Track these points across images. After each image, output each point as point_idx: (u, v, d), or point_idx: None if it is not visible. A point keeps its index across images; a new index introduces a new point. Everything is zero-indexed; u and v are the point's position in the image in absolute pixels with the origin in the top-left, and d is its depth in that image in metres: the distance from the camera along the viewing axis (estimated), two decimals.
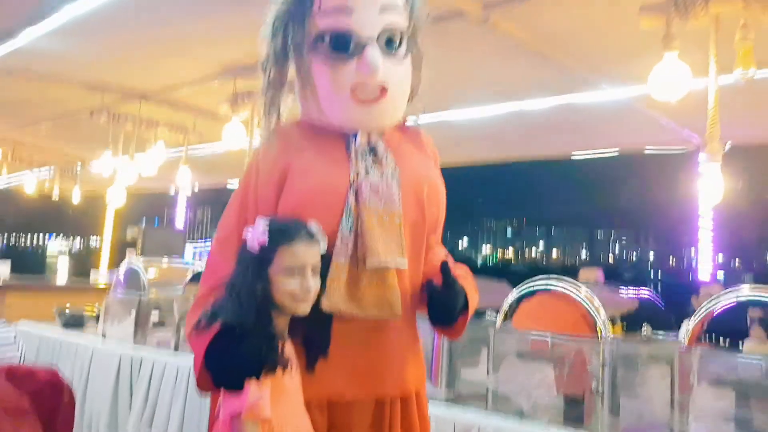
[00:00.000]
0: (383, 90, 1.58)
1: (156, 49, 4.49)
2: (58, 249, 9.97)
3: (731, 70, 2.72)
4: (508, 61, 4.20)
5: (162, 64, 4.82)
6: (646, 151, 5.65)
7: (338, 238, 1.55)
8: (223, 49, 4.40)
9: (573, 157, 6.15)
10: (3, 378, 1.71)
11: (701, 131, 3.06)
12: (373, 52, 1.54)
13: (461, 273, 1.70)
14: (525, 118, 5.00)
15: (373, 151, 1.63)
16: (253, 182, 1.65)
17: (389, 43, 1.58)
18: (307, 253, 1.48)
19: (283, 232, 1.48)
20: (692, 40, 2.84)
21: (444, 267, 1.63)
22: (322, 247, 1.51)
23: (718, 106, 2.84)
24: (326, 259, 1.52)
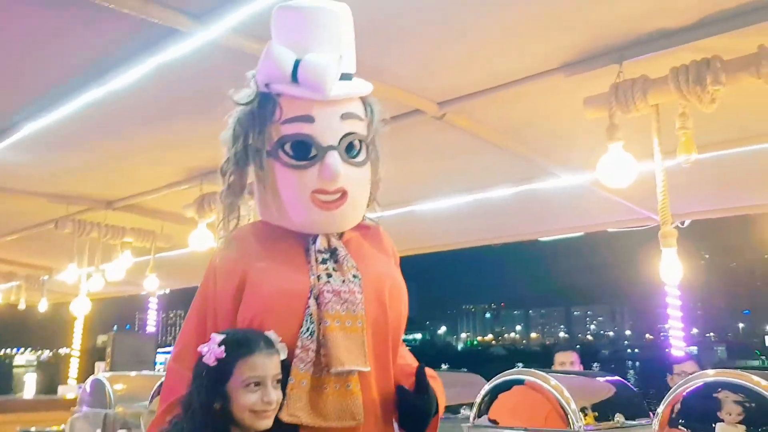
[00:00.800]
0: (344, 194, 1.62)
1: (121, 157, 4.54)
2: (25, 361, 9.71)
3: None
4: (468, 153, 4.35)
5: (127, 172, 4.87)
6: (610, 230, 5.77)
7: (299, 345, 1.53)
8: (189, 155, 4.47)
9: (542, 239, 6.27)
10: None
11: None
12: (334, 159, 1.59)
13: (431, 374, 1.70)
14: (490, 205, 5.12)
15: (333, 254, 1.65)
16: (211, 291, 1.65)
17: (349, 149, 1.64)
18: (267, 365, 1.45)
19: (240, 344, 1.45)
20: (638, 125, 2.98)
21: (419, 372, 1.62)
22: (282, 356, 1.50)
23: (667, 189, 2.94)
24: (286, 367, 1.50)
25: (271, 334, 1.51)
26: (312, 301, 1.57)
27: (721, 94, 2.68)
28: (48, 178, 5.02)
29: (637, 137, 2.97)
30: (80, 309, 6.04)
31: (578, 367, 5.11)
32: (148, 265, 6.11)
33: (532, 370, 2.49)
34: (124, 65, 3.13)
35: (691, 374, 2.49)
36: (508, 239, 6.36)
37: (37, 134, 3.93)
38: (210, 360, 1.44)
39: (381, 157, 1.79)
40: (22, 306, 8.54)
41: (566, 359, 5.13)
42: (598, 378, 2.83)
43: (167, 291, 9.33)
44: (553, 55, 3.08)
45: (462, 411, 2.72)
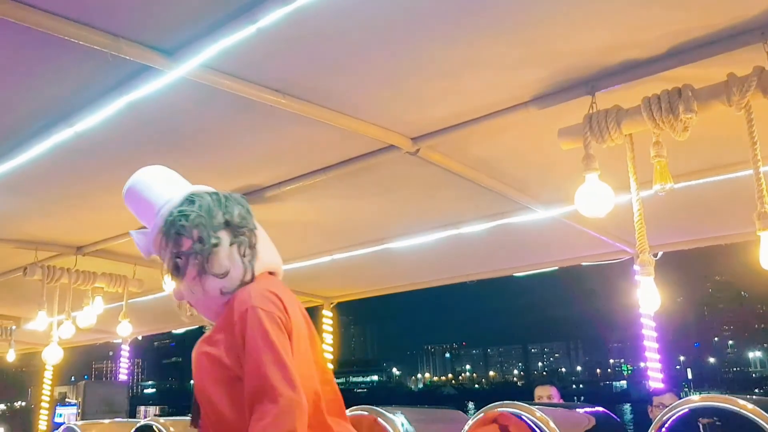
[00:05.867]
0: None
1: (90, 199, 4.45)
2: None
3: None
4: (442, 189, 4.35)
5: (97, 215, 4.76)
6: (584, 264, 5.79)
7: None
8: None
9: (515, 274, 6.25)
10: None
11: (633, 242, 3.17)
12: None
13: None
14: (464, 241, 5.11)
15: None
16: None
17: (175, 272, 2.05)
18: None
19: None
20: (613, 156, 3.00)
21: None
22: None
23: (644, 218, 2.95)
24: None
25: None
26: None
27: (694, 123, 2.72)
28: (15, 223, 4.91)
29: (611, 169, 3.00)
30: (52, 357, 5.85)
31: (557, 401, 5.06)
32: (120, 311, 5.97)
33: (518, 402, 2.45)
34: (94, 104, 3.09)
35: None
36: (482, 275, 6.33)
37: (2, 178, 3.85)
38: None
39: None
40: None
41: (545, 393, 5.10)
42: (580, 409, 2.79)
43: (140, 338, 9.15)
44: (526, 88, 3.11)
45: None
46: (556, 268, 5.93)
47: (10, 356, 8.23)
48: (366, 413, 2.84)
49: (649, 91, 2.80)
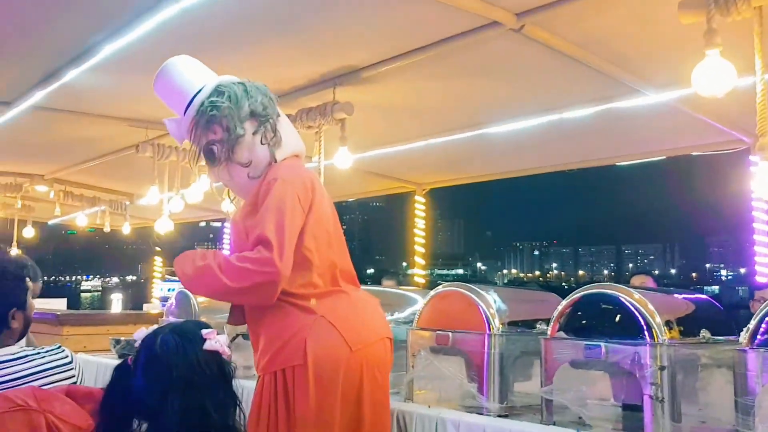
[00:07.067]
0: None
1: None
2: (91, 287, 10.36)
3: None
4: (546, 70, 4.17)
5: None
6: (694, 154, 5.51)
7: None
8: (265, 77, 4.45)
9: (618, 164, 6.04)
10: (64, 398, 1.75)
11: (750, 131, 2.97)
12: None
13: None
14: (565, 127, 4.94)
15: None
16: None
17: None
18: None
19: None
20: (737, 33, 2.77)
21: None
22: None
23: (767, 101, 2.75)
24: None
25: None
26: None
27: None
28: (127, 103, 5.12)
29: (733, 49, 2.77)
30: (163, 228, 6.27)
31: None
32: (223, 190, 6.23)
33: (616, 284, 2.42)
34: None
35: None
36: (584, 164, 6.14)
37: (115, 56, 3.98)
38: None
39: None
40: (107, 229, 8.96)
41: (641, 281, 5.03)
42: (679, 295, 2.74)
43: None
44: None
45: (537, 326, 2.68)
46: (663, 158, 5.68)
47: (126, 229, 8.86)
48: (457, 289, 2.87)
49: None
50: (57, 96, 4.66)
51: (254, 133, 2.21)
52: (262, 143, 2.22)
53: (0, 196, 8.04)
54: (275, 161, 2.24)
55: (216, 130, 2.20)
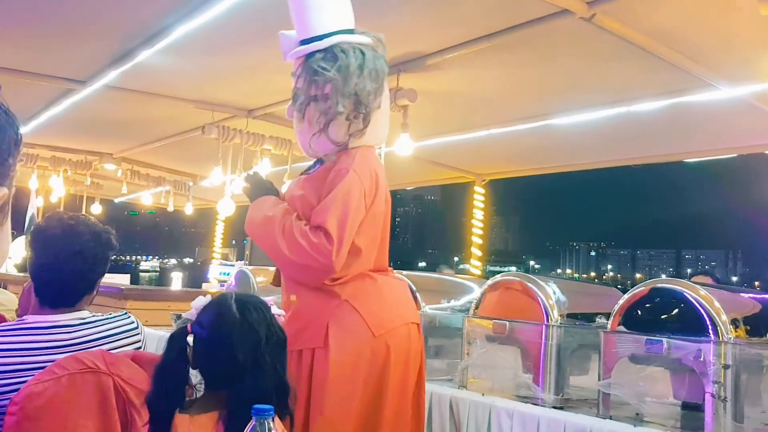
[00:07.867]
0: None
1: (259, 65, 4.59)
2: (150, 267, 10.59)
3: None
4: (615, 61, 4.07)
5: (266, 80, 4.93)
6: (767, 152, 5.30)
7: None
8: None
9: (686, 160, 5.86)
10: (130, 362, 1.81)
11: None
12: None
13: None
14: (633, 120, 4.82)
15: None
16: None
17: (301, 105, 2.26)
18: None
19: None
20: None
21: None
22: None
23: None
24: None
25: None
26: None
27: None
28: (194, 85, 5.23)
29: None
30: (226, 209, 6.41)
31: None
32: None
33: (680, 279, 2.36)
34: None
35: None
36: (650, 159, 5.97)
37: (187, 37, 4.05)
38: None
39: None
40: (170, 208, 9.21)
41: (702, 281, 4.87)
42: (747, 294, 2.65)
43: None
44: None
45: (597, 319, 2.64)
46: (734, 156, 5.48)
47: (188, 209, 9.09)
48: (516, 279, 2.86)
49: None
50: (129, 76, 4.79)
51: (346, 118, 2.16)
52: (349, 130, 2.18)
53: (71, 173, 8.33)
54: (347, 148, 2.22)
55: (324, 86, 2.15)
